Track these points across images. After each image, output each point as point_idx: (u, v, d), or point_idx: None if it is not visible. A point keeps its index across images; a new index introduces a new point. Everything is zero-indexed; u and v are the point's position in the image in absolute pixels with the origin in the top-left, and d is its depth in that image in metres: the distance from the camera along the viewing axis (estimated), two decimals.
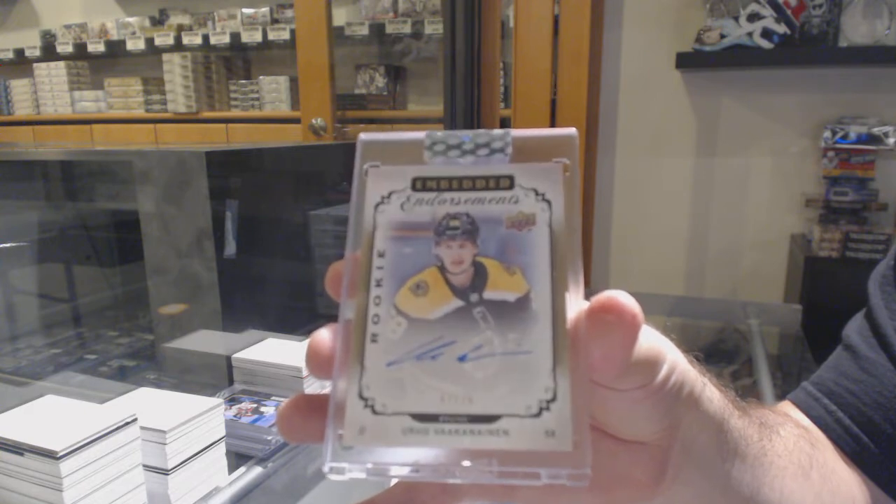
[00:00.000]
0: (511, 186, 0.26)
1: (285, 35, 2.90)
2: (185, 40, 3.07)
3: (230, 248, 0.85)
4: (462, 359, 0.24)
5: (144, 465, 0.58)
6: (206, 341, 0.87)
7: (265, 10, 2.97)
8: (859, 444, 0.48)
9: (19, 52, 3.52)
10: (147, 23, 3.27)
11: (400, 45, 2.83)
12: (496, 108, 1.76)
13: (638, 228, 2.28)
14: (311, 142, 2.25)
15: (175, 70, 3.02)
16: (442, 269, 0.25)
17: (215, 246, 0.83)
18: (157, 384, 0.91)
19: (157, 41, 3.12)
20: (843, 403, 0.50)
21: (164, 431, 0.58)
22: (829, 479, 0.44)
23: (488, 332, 0.24)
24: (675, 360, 0.28)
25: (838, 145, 1.87)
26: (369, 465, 0.23)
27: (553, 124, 2.11)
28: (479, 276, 0.25)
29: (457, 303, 0.25)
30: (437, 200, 0.26)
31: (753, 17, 1.89)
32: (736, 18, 1.92)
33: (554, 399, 0.23)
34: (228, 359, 0.82)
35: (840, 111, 1.98)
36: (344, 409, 0.23)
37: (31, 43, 3.51)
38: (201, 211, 0.83)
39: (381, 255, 0.25)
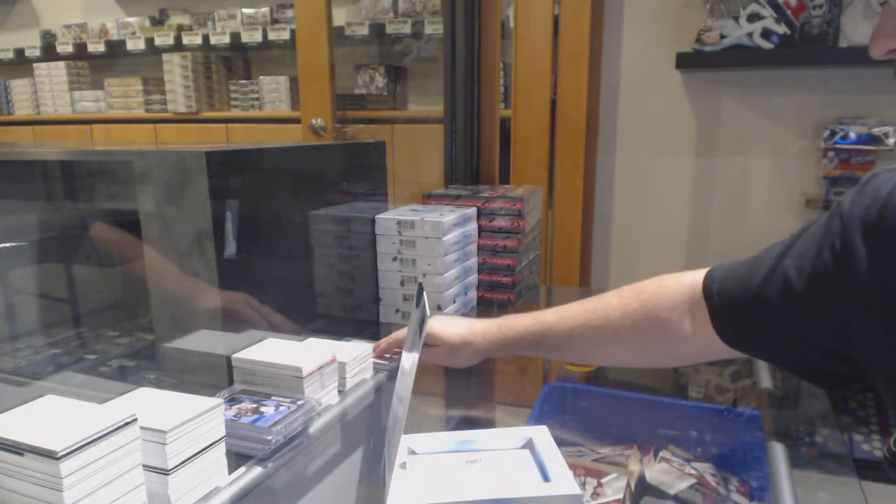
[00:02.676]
0: None
1: (285, 35, 2.90)
2: (185, 40, 3.07)
3: (230, 248, 0.85)
4: None
5: (144, 466, 0.58)
6: (206, 341, 0.87)
7: (265, 10, 2.97)
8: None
9: (19, 52, 3.52)
10: (147, 23, 3.27)
11: (400, 45, 2.83)
12: (496, 108, 1.76)
13: (638, 228, 2.28)
14: (311, 142, 2.25)
15: (175, 70, 3.02)
16: None
17: (215, 246, 0.83)
18: (157, 384, 0.91)
19: (157, 41, 3.12)
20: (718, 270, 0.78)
21: (164, 431, 0.57)
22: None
23: None
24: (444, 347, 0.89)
25: (838, 145, 1.87)
26: None
27: (553, 124, 2.11)
28: None
29: None
30: None
31: (753, 18, 1.89)
32: (736, 19, 1.92)
33: None
34: (228, 359, 0.83)
35: (840, 111, 1.98)
36: None
37: (31, 43, 3.51)
38: (201, 211, 0.83)
39: None
